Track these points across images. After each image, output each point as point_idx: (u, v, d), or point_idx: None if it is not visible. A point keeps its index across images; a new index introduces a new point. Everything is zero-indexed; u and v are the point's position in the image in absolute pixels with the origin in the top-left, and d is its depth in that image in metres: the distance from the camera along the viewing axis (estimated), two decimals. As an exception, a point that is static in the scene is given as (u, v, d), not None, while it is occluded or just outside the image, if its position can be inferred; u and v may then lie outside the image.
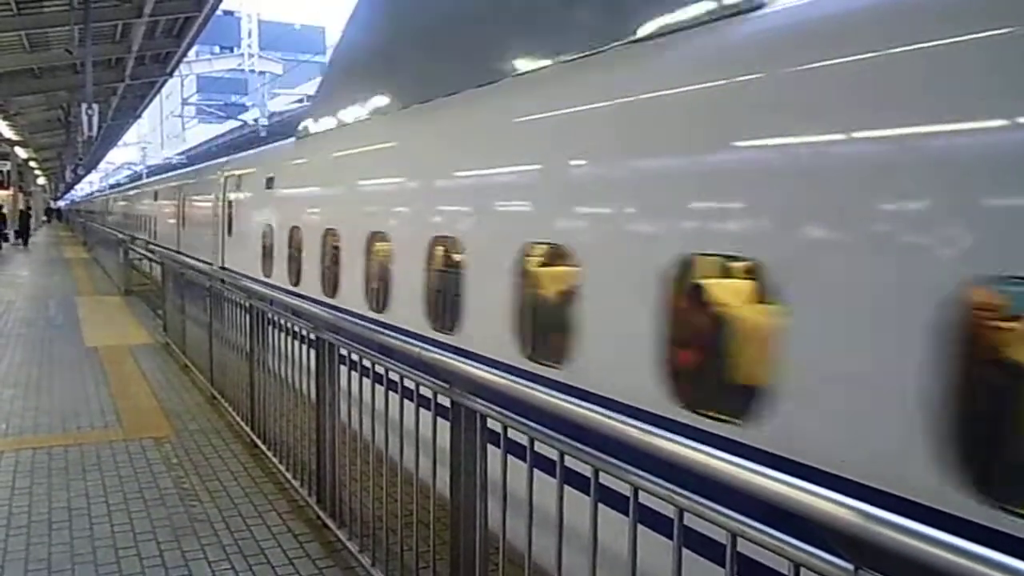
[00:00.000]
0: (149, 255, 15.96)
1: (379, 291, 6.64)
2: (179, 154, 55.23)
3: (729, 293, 3.58)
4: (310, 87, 35.40)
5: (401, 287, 6.20)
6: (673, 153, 3.81)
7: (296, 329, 4.69)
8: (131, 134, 54.24)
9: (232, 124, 43.18)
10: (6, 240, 30.92)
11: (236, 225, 12.30)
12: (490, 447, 2.85)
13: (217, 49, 56.94)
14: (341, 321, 4.14)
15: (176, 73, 23.47)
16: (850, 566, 1.52)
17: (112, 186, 67.73)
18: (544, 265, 4.73)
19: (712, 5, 3.89)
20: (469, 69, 5.95)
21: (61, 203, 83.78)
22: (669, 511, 1.94)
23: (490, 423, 2.82)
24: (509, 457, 2.65)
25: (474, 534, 2.92)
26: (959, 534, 1.40)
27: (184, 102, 47.13)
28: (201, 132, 57.37)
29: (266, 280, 9.47)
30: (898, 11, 2.94)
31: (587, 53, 4.65)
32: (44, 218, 57.26)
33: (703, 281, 3.65)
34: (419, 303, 5.81)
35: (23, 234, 32.46)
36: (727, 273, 3.62)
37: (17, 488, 4.94)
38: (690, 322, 3.65)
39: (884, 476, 2.56)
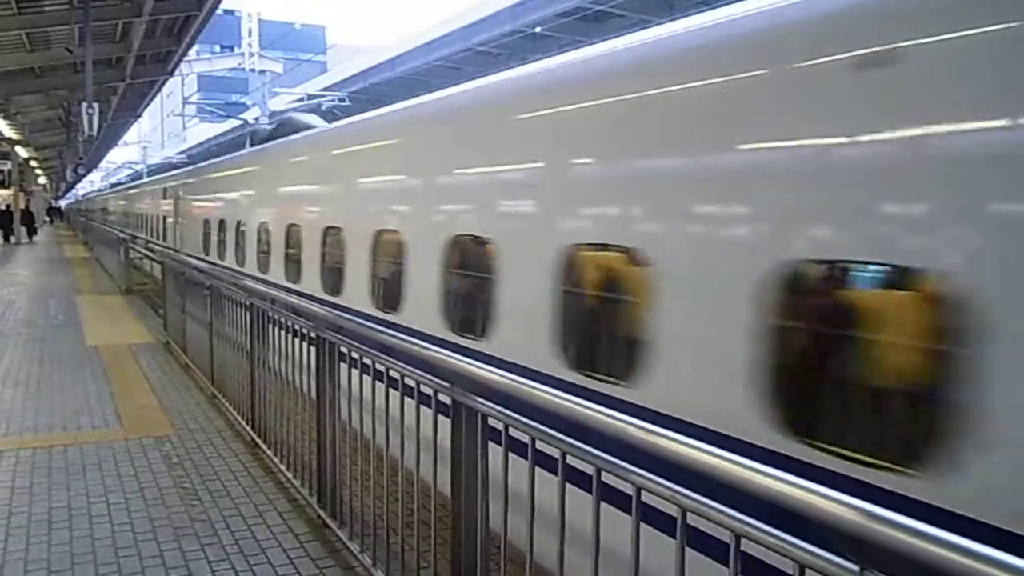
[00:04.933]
0: (150, 254, 16.14)
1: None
2: (178, 153, 55.30)
3: None
4: (311, 86, 35.45)
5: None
6: None
7: (296, 328, 4.68)
8: (132, 133, 54.31)
9: (233, 123, 43.20)
10: (12, 235, 33.01)
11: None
12: (491, 445, 2.84)
13: (218, 48, 57.00)
14: (342, 320, 4.13)
15: (176, 72, 23.42)
16: (855, 567, 1.51)
17: (113, 185, 68.07)
18: None
19: None
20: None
21: (63, 202, 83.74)
22: (672, 511, 1.93)
23: (491, 422, 2.81)
24: (510, 456, 2.64)
25: (475, 533, 2.91)
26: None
27: (185, 101, 47.09)
28: (202, 131, 57.43)
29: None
30: None
31: None
32: (47, 218, 57.41)
33: None
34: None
35: (29, 229, 35.75)
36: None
37: (17, 487, 4.93)
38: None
39: (724, 422, 3.07)
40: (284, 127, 13.20)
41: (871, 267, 2.79)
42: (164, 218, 20.79)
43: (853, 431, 2.81)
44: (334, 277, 7.38)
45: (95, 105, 15.74)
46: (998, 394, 2.33)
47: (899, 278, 2.69)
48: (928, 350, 2.61)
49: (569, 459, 2.33)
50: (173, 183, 19.69)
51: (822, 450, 2.77)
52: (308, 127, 11.89)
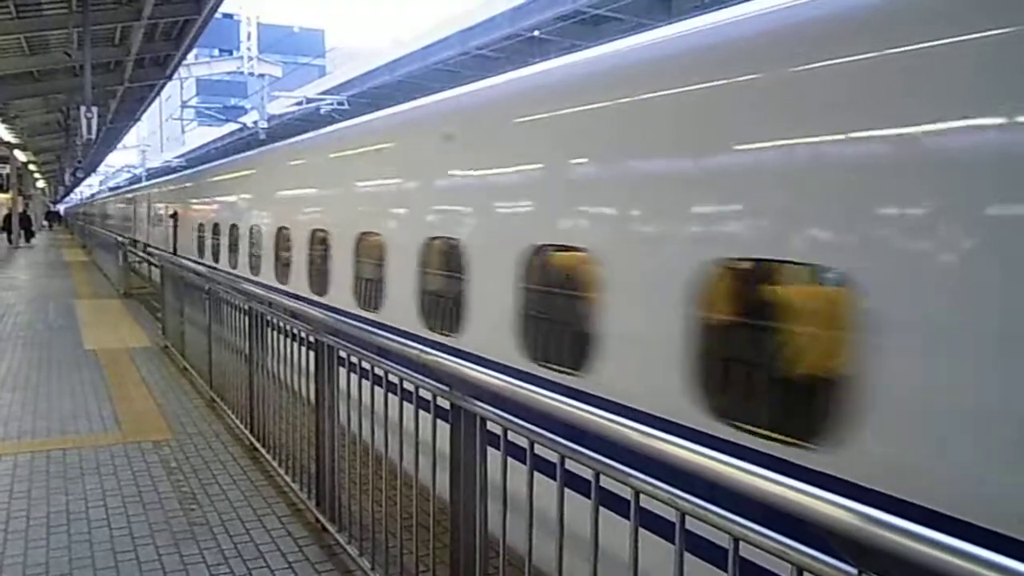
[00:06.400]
0: (148, 258, 16.15)
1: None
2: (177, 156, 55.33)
3: None
4: (310, 89, 35.47)
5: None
6: None
7: (295, 331, 4.68)
8: (130, 137, 54.29)
9: (231, 127, 43.22)
10: (9, 242, 33.33)
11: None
12: (490, 449, 2.84)
13: (216, 52, 57.05)
14: (340, 324, 4.13)
15: (175, 76, 23.42)
16: (853, 570, 1.51)
17: (111, 189, 68.06)
18: None
19: None
20: None
21: (61, 206, 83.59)
22: (671, 514, 1.92)
23: (490, 426, 2.81)
24: (509, 460, 2.64)
25: (474, 537, 2.91)
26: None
27: (183, 105, 47.17)
28: (201, 135, 57.43)
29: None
30: None
31: None
32: (45, 223, 57.30)
33: None
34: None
35: (27, 233, 36.37)
36: None
37: (15, 492, 4.93)
38: None
39: (657, 405, 3.37)
40: None
41: None
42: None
43: None
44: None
45: (94, 109, 15.73)
46: None
47: None
48: None
49: (568, 463, 2.33)
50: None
51: None
52: None
